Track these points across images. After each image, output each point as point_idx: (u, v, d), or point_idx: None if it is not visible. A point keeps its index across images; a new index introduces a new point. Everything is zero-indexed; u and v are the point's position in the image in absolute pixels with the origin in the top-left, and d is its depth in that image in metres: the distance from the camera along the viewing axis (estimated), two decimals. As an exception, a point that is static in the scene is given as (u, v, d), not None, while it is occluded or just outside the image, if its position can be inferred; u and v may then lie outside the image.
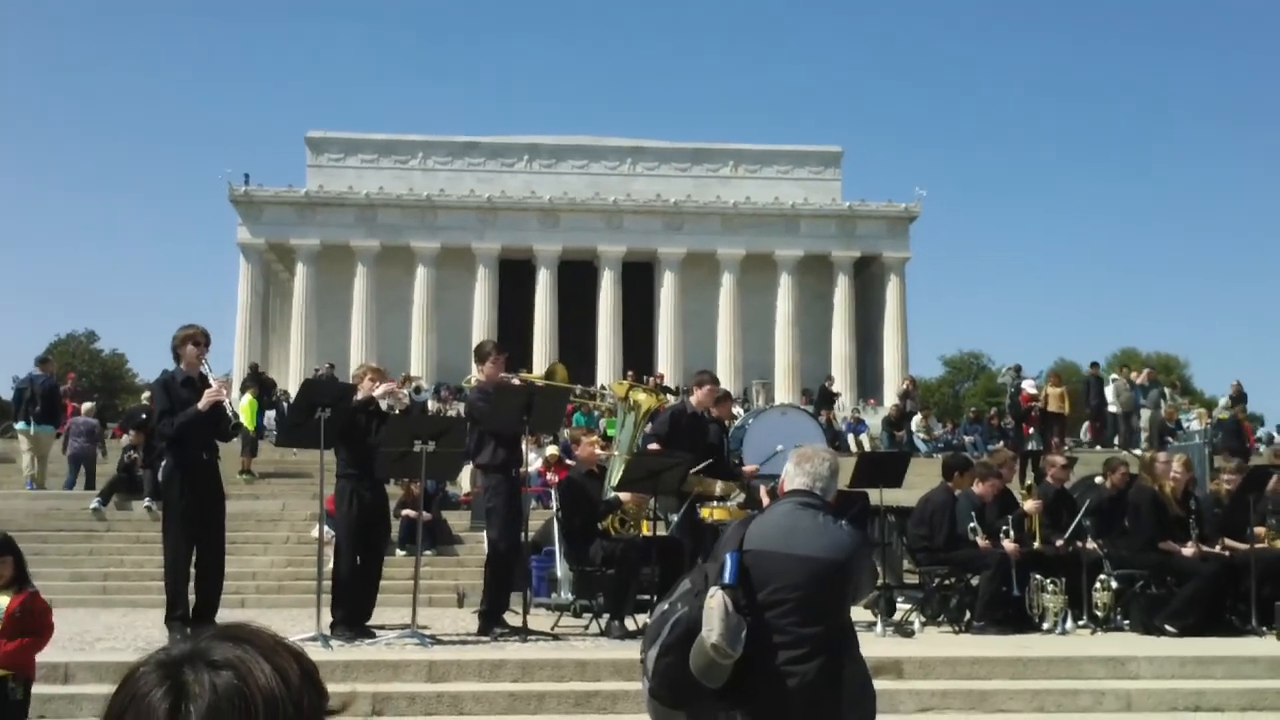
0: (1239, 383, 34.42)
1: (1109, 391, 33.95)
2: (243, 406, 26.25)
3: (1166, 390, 35.13)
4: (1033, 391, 32.15)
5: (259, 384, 32.27)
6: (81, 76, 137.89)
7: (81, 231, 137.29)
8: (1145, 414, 33.05)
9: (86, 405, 26.31)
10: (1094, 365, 37.40)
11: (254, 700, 1.51)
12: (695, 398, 13.39)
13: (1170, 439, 29.80)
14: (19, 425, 23.06)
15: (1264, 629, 12.24)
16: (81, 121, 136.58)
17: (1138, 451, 25.21)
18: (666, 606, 4.69)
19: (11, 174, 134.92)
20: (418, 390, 33.91)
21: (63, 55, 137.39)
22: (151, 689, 1.52)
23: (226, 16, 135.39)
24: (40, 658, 7.39)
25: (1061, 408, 31.40)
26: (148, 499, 20.32)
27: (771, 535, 4.79)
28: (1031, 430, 30.38)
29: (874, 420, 38.41)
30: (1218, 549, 13.32)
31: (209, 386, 10.64)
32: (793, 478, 5.09)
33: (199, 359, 10.83)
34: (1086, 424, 36.69)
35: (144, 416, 21.53)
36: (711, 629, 4.44)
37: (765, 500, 5.37)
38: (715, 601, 4.50)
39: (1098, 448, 31.64)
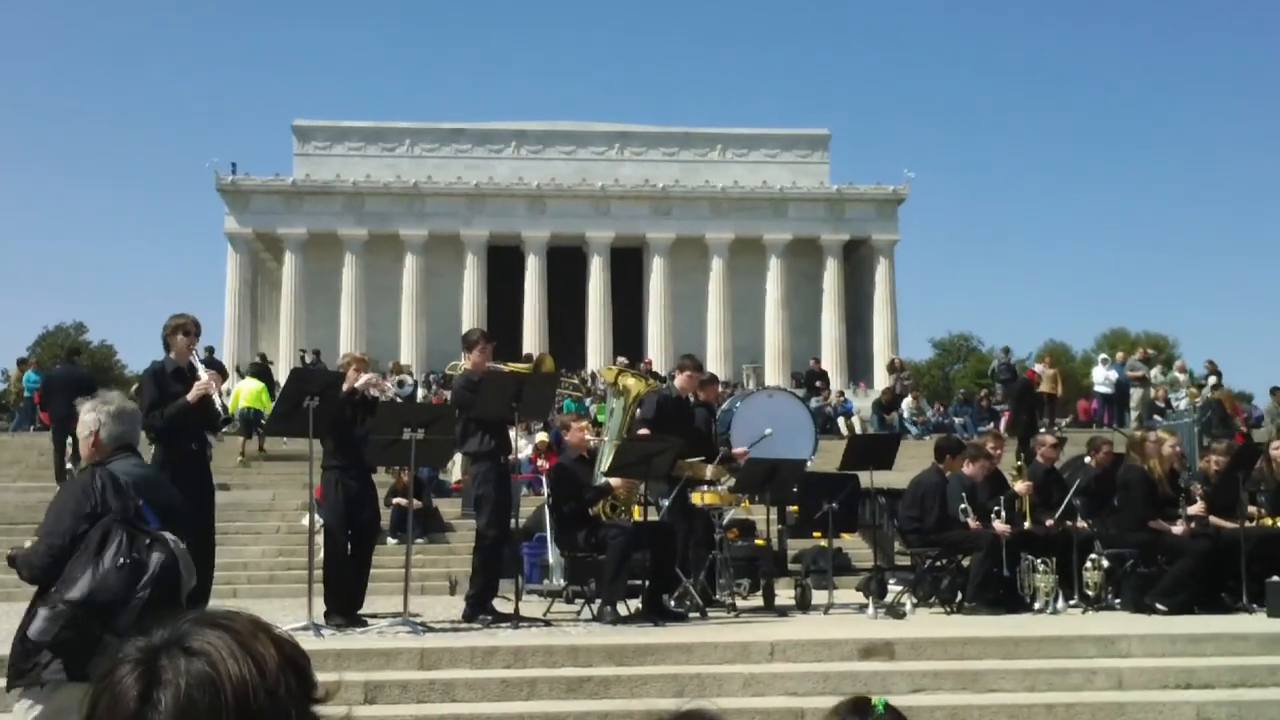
0: (1212, 361, 34.27)
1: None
2: (252, 393, 26.56)
3: (1178, 376, 34.77)
4: (1038, 369, 31.81)
5: (263, 375, 32.20)
6: (65, 65, 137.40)
7: (69, 223, 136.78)
8: (1136, 393, 33.01)
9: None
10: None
11: (223, 688, 1.52)
12: (677, 382, 13.53)
13: (1158, 417, 29.81)
14: None
15: (1254, 606, 12.27)
16: (67, 111, 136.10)
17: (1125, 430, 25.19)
18: None
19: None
20: (401, 385, 33.84)
21: (46, 44, 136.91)
22: (125, 675, 1.53)
23: (212, 4, 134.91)
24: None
25: (1054, 389, 31.37)
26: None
27: None
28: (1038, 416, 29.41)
29: (864, 403, 38.39)
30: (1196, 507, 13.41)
31: (199, 376, 10.62)
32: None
33: (189, 349, 10.79)
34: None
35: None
36: None
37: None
38: None
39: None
